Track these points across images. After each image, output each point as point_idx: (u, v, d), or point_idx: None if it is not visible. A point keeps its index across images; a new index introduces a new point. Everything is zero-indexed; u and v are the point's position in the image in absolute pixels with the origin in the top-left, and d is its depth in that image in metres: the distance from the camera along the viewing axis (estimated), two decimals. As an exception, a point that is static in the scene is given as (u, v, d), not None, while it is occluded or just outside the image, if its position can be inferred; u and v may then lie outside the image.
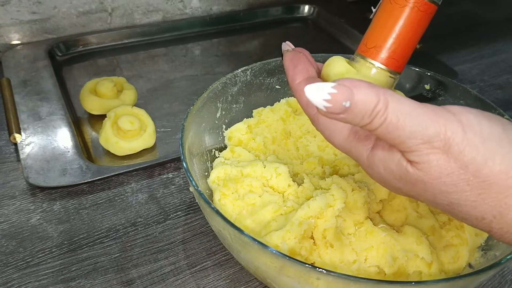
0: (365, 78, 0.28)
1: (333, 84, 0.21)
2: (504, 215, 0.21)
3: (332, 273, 0.26)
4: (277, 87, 0.47)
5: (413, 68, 0.44)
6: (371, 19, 0.29)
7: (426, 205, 0.37)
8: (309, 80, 0.27)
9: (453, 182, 0.21)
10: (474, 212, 0.22)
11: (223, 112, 0.43)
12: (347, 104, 0.21)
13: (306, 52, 0.30)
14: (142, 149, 0.50)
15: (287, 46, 0.31)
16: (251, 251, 0.29)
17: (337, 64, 0.29)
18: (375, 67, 0.28)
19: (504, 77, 0.71)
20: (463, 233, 0.36)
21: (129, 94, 0.56)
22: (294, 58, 0.28)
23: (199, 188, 0.31)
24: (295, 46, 0.31)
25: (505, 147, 0.21)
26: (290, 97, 0.48)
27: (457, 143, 0.21)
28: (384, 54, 0.27)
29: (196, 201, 0.42)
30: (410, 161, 0.22)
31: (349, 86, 0.21)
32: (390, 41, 0.27)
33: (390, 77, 0.28)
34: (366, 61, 0.28)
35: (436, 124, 0.21)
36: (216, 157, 0.42)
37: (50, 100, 0.55)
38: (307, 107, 0.27)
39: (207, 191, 0.38)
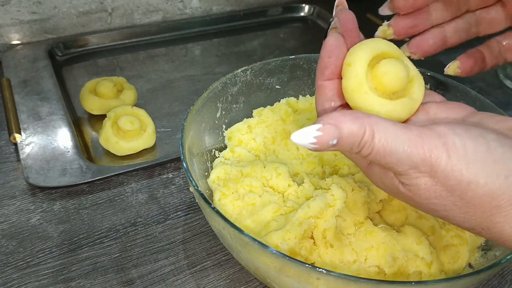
0: None
1: (317, 126, 0.21)
2: (491, 228, 0.22)
3: (332, 273, 0.26)
4: (277, 87, 0.47)
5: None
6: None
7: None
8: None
9: (441, 203, 0.23)
10: (464, 225, 0.24)
11: (223, 112, 0.43)
12: (334, 142, 0.21)
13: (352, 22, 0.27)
14: (142, 149, 0.50)
15: (341, 11, 0.28)
16: (251, 251, 0.29)
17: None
18: None
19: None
20: (463, 233, 0.36)
21: (129, 94, 0.56)
22: (333, 47, 0.26)
23: (199, 188, 0.31)
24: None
25: (489, 168, 0.21)
26: (290, 97, 0.48)
27: (442, 168, 0.21)
28: None
29: (196, 201, 0.42)
30: (401, 182, 0.23)
31: (334, 123, 0.21)
32: None
33: None
34: None
35: (421, 150, 0.21)
36: (216, 157, 0.42)
37: (50, 100, 0.55)
38: (318, 107, 0.27)
39: (207, 191, 0.38)
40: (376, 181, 0.26)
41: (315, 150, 0.22)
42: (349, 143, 0.22)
